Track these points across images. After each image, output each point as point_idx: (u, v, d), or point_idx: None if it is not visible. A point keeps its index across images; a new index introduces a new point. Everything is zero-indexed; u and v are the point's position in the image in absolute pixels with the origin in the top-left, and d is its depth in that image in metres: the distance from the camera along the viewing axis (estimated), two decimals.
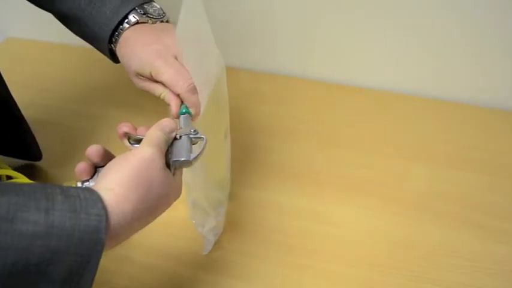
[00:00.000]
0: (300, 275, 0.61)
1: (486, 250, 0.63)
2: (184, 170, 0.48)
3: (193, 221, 0.61)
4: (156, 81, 0.53)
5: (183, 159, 0.46)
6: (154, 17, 0.56)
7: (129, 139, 0.49)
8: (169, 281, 0.61)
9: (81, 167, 0.45)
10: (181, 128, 0.50)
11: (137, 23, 0.55)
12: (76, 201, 0.36)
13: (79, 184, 0.45)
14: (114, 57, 0.59)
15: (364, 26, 0.88)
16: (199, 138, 0.48)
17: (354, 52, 0.92)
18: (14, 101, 0.69)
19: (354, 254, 0.63)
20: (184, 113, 0.51)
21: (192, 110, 0.52)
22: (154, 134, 0.45)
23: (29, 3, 0.63)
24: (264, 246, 0.64)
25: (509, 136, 0.81)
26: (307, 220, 0.67)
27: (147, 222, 0.43)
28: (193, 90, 0.51)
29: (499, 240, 0.64)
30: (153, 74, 0.52)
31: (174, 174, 0.46)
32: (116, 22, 0.55)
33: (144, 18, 0.56)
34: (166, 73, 0.51)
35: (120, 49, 0.56)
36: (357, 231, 0.66)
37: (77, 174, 0.45)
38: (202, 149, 0.47)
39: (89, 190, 0.38)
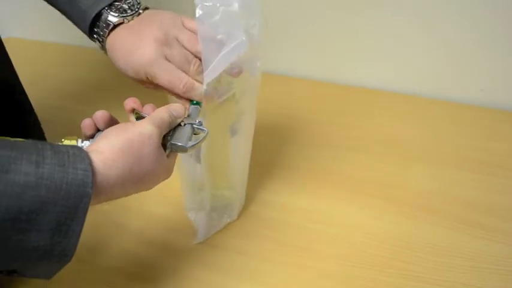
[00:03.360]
0: (300, 274, 0.61)
1: (486, 250, 0.63)
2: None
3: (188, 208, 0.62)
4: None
5: (180, 144, 0.48)
6: (128, 14, 0.55)
7: (135, 115, 0.51)
8: (165, 276, 0.61)
9: (87, 122, 0.49)
10: (189, 116, 0.51)
11: (114, 26, 0.55)
12: (64, 157, 0.39)
13: (79, 141, 0.47)
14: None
15: (366, 26, 0.88)
16: (202, 130, 0.50)
17: (355, 52, 0.92)
18: (22, 87, 0.69)
19: (354, 253, 0.63)
20: (194, 104, 0.52)
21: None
22: (160, 114, 0.47)
23: (28, 3, 0.63)
24: (264, 246, 0.64)
25: (510, 136, 0.81)
26: (307, 220, 0.68)
27: (131, 192, 0.45)
28: (191, 86, 0.52)
29: (499, 240, 0.64)
30: (149, 78, 0.53)
31: (168, 156, 0.48)
32: (88, 24, 0.55)
33: (120, 19, 0.55)
34: (160, 79, 0.52)
35: (111, 55, 0.56)
36: (358, 231, 0.66)
37: (82, 128, 0.48)
38: (201, 140, 0.49)
39: (78, 148, 0.41)
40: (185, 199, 0.65)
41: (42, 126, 0.79)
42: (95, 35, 0.56)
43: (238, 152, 0.61)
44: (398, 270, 0.61)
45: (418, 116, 0.86)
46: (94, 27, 0.56)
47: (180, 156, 0.57)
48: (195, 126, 0.50)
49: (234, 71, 0.52)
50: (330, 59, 0.94)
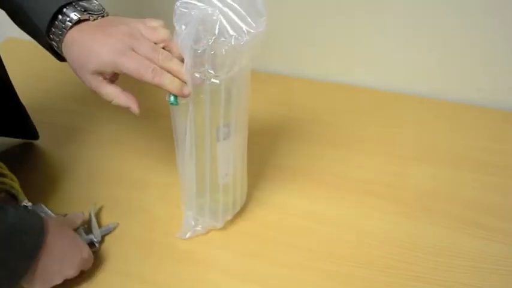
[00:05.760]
0: (300, 275, 0.61)
1: (486, 250, 0.63)
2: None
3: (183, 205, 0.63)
4: (111, 83, 0.55)
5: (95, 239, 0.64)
6: (95, 13, 0.57)
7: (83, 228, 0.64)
8: (163, 277, 0.61)
9: None
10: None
11: (79, 21, 0.56)
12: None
13: None
14: (55, 53, 0.61)
15: (366, 25, 0.88)
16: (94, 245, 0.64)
17: (355, 52, 0.92)
18: (14, 89, 0.72)
19: (354, 253, 0.63)
20: (172, 101, 0.53)
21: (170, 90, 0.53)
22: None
23: None
24: (263, 246, 0.64)
25: (510, 136, 0.81)
26: (307, 220, 0.67)
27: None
28: (160, 72, 0.52)
29: (499, 240, 0.64)
30: (116, 70, 0.54)
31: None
32: (52, 12, 0.56)
33: (85, 15, 0.57)
34: (129, 67, 0.53)
35: (69, 49, 0.56)
36: (358, 231, 0.66)
37: None
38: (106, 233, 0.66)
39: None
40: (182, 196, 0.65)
41: (42, 127, 0.79)
42: (53, 29, 0.57)
43: (227, 158, 0.60)
44: (399, 270, 0.61)
45: (418, 116, 0.86)
46: (54, 21, 0.56)
47: (176, 148, 0.58)
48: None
49: (197, 82, 0.53)
50: (330, 58, 0.94)
